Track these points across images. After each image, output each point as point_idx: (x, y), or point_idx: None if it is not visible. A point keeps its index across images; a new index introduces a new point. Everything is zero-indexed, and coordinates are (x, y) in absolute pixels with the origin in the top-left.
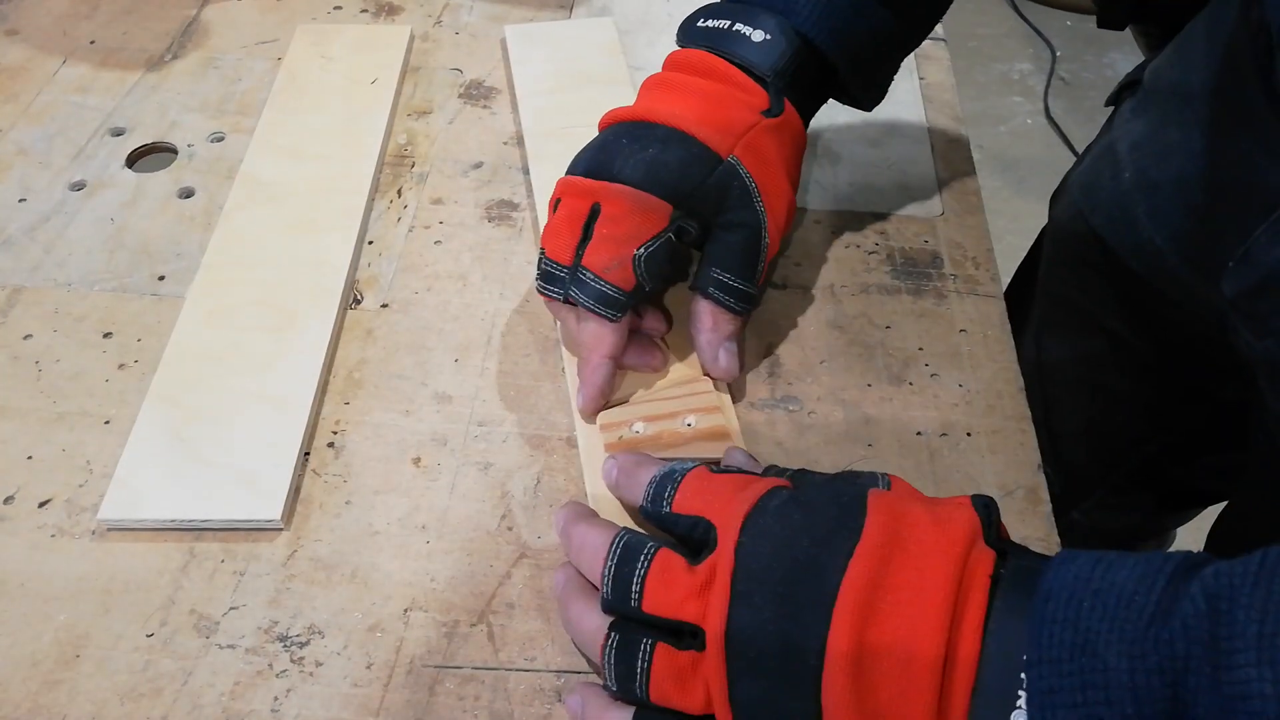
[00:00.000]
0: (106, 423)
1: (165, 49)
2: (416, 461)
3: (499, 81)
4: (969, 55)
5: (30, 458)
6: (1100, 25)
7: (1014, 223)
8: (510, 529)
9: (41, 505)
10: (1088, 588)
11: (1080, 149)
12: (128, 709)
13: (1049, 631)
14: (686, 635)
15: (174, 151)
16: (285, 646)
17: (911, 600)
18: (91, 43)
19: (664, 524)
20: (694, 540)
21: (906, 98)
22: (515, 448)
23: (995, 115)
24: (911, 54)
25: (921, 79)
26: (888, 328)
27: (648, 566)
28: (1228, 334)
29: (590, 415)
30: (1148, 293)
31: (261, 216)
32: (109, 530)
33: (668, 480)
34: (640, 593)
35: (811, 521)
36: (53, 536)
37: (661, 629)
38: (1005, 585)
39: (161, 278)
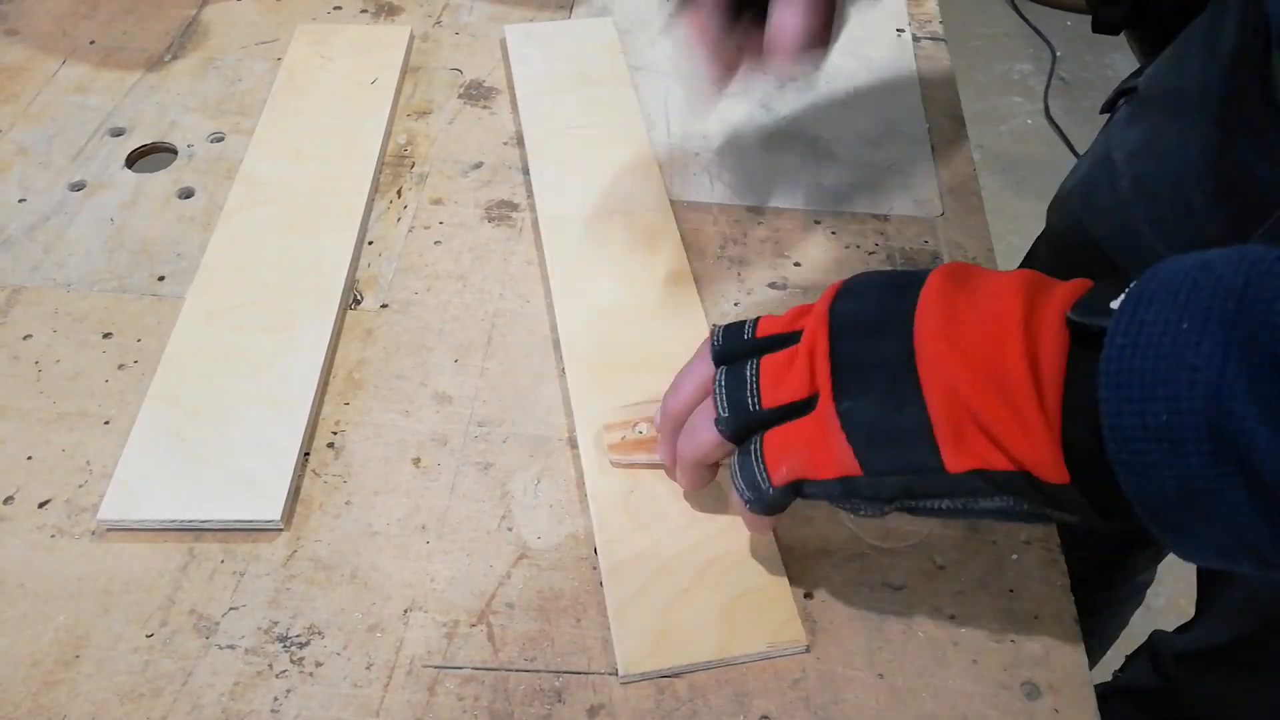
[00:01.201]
0: (106, 423)
1: (165, 49)
2: (416, 462)
3: (499, 81)
4: (969, 55)
5: (30, 458)
6: (1095, 30)
7: (1014, 223)
8: (510, 529)
9: (41, 505)
10: (1194, 264)
11: (1080, 149)
12: (127, 709)
13: (1163, 268)
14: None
15: (174, 152)
16: (285, 647)
17: (994, 278)
18: (91, 43)
19: (760, 345)
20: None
21: (906, 98)
22: (515, 448)
23: (995, 115)
24: (911, 54)
25: (922, 79)
26: None
27: (756, 321)
28: None
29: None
30: None
31: (261, 217)
32: (109, 530)
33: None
34: (752, 328)
35: (895, 273)
36: (52, 537)
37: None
38: (1103, 280)
39: (161, 278)
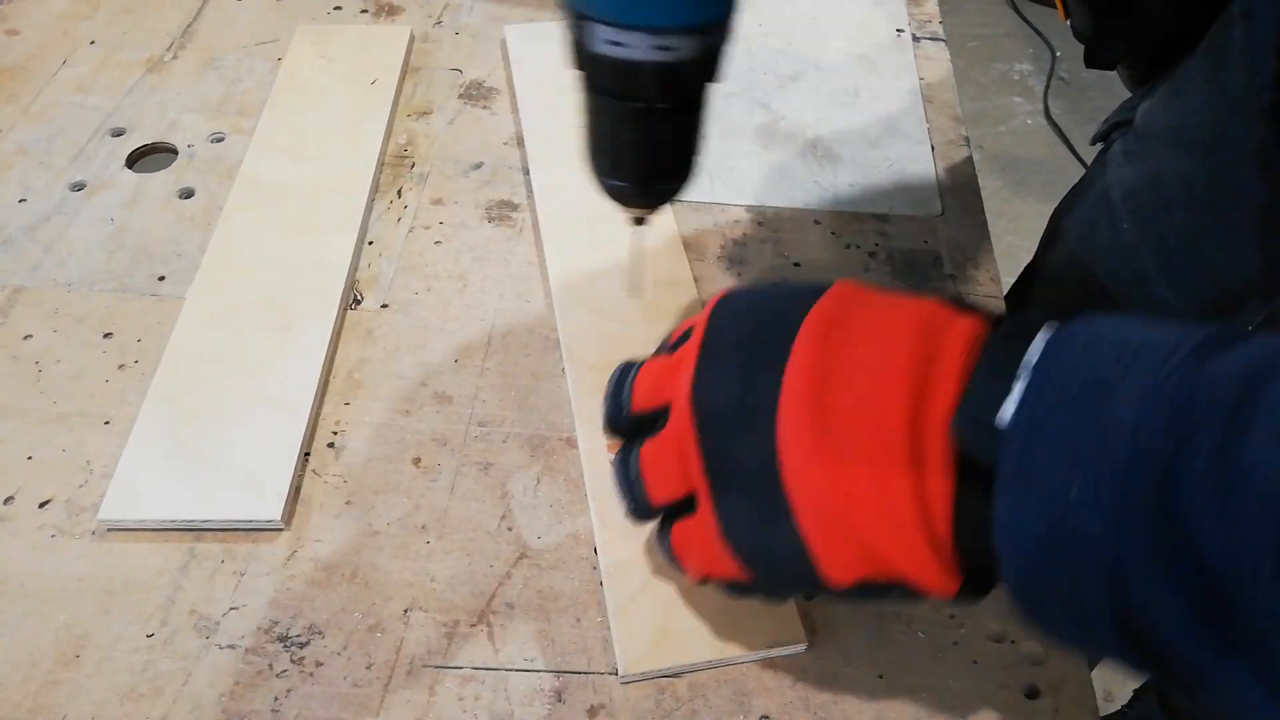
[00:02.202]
0: (106, 423)
1: (165, 49)
2: (416, 461)
3: (499, 82)
4: (969, 55)
5: (30, 458)
6: (1089, 65)
7: (1014, 223)
8: (510, 529)
9: (42, 505)
10: (1106, 337)
11: (1081, 149)
12: (128, 709)
13: (1060, 361)
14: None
15: (174, 152)
16: (285, 646)
17: (878, 333)
18: (91, 43)
19: (667, 347)
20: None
21: (906, 98)
22: (515, 448)
23: (995, 115)
24: (911, 54)
25: (921, 79)
26: None
27: (635, 373)
28: None
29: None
30: None
31: (261, 217)
32: (109, 530)
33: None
34: (629, 396)
35: (781, 290)
36: (53, 537)
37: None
38: (1008, 327)
39: (161, 278)
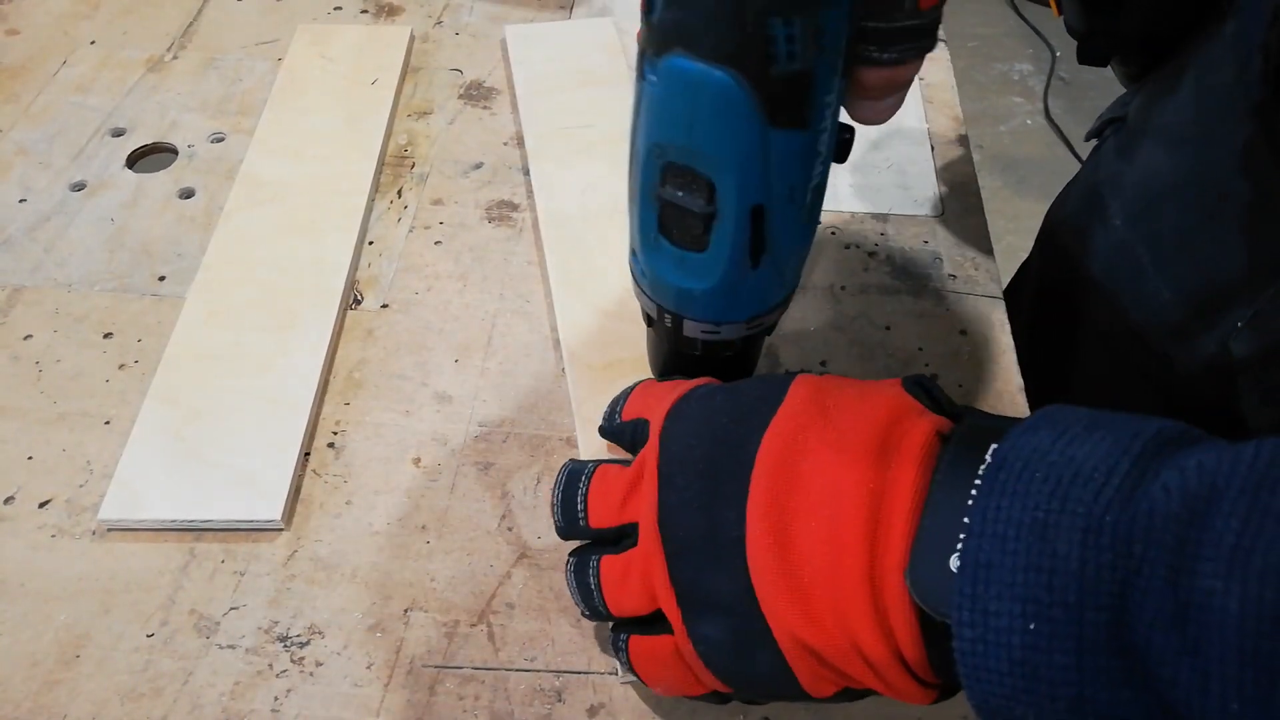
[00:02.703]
0: (107, 423)
1: (165, 49)
2: (416, 461)
3: (499, 82)
4: (969, 55)
5: (30, 458)
6: (1081, 61)
7: (1014, 223)
8: (510, 529)
9: (42, 505)
10: (1044, 460)
11: (1080, 149)
12: (128, 709)
13: (995, 503)
14: (628, 540)
15: (174, 152)
16: (285, 646)
17: (832, 461)
18: (92, 43)
19: (614, 435)
20: (637, 444)
21: (906, 98)
22: (515, 448)
23: (995, 115)
24: None
25: (921, 79)
26: (887, 328)
27: (588, 483)
28: (1231, 396)
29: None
30: (1148, 353)
31: (262, 217)
32: (109, 530)
33: (620, 396)
34: (585, 510)
35: (734, 402)
36: (53, 536)
37: (612, 543)
38: (957, 443)
39: (162, 278)
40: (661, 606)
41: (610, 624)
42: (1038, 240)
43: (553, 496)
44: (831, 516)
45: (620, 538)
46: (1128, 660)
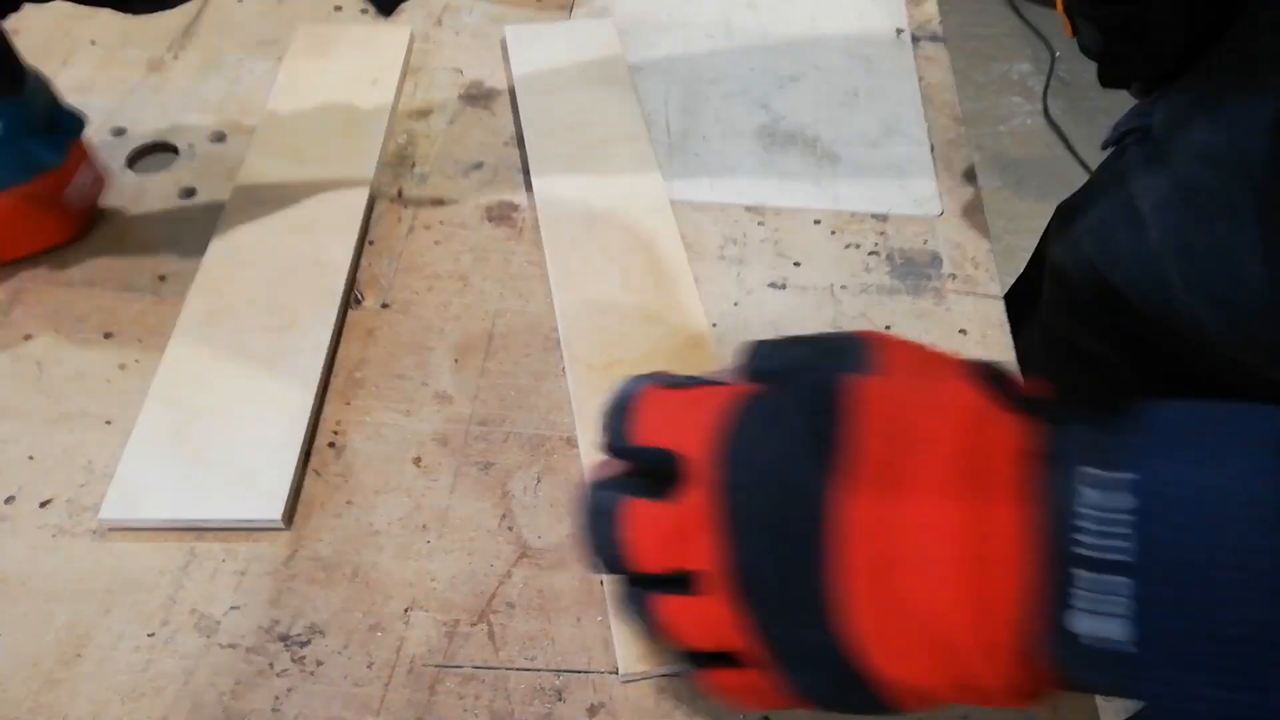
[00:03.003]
0: (107, 423)
1: (166, 49)
2: (417, 461)
3: (499, 82)
4: (968, 55)
5: (31, 458)
6: (1104, 84)
7: (1014, 223)
8: (510, 529)
9: (43, 505)
10: (1185, 494)
11: (1080, 149)
12: (128, 708)
13: (1161, 565)
14: (681, 585)
15: (175, 151)
16: (286, 646)
17: (920, 502)
18: (92, 43)
19: (629, 458)
20: (666, 474)
21: (906, 99)
22: (515, 448)
23: (995, 115)
24: (911, 54)
25: (921, 79)
26: (887, 328)
27: (621, 520)
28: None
29: None
30: (1179, 364)
31: (263, 217)
32: (110, 530)
33: (619, 408)
34: (621, 553)
35: (791, 435)
36: (54, 536)
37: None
38: (1077, 480)
39: (162, 278)
40: (746, 649)
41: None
42: (1042, 241)
43: (586, 526)
44: (932, 564)
45: (669, 581)
46: None
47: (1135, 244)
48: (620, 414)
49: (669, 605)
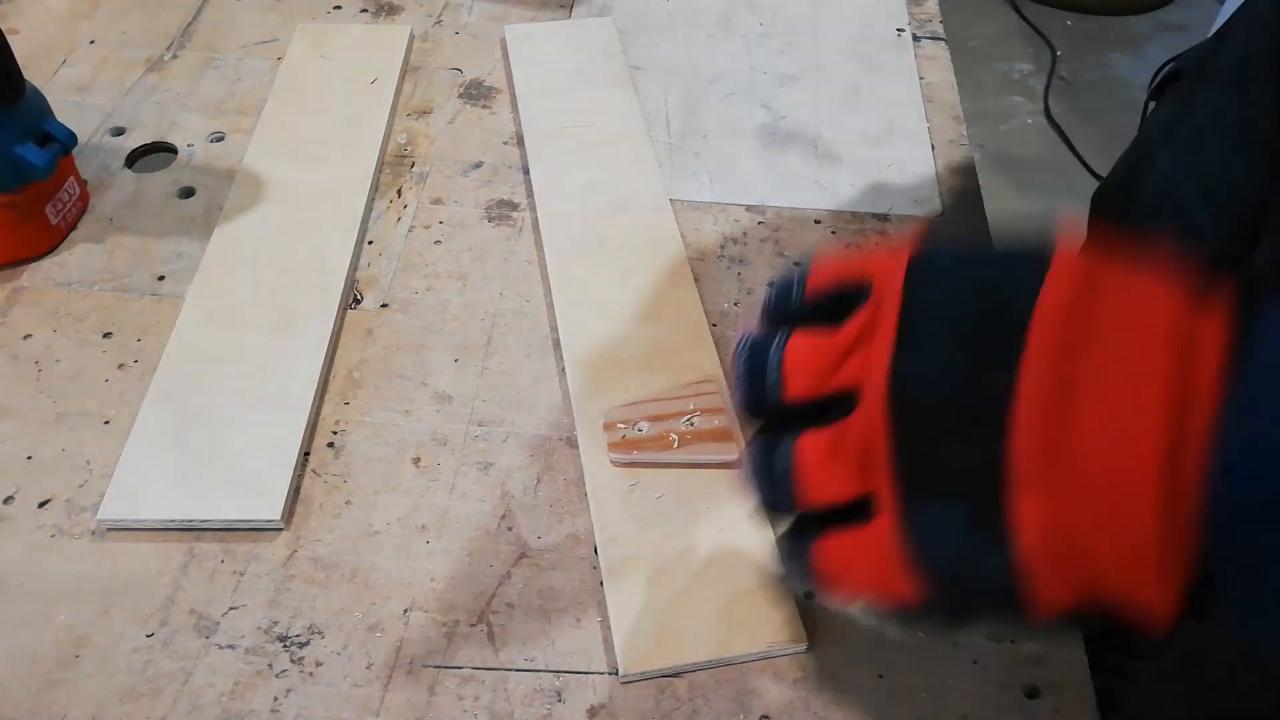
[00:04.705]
0: (106, 423)
1: (165, 49)
2: (416, 461)
3: (499, 81)
4: (969, 55)
5: (30, 458)
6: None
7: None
8: (510, 529)
9: (41, 505)
10: None
11: (1081, 149)
12: (127, 709)
13: None
14: (839, 411)
15: (174, 151)
16: (285, 646)
17: (1126, 336)
18: (91, 42)
19: (797, 317)
20: (842, 313)
21: (907, 98)
22: (515, 448)
23: (996, 115)
24: (912, 53)
25: (922, 79)
26: None
27: (783, 347)
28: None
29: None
30: None
31: (261, 216)
32: (109, 530)
33: (788, 276)
34: (780, 377)
35: (994, 265)
36: (53, 536)
37: (811, 419)
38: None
39: (161, 277)
40: (874, 487)
41: (785, 528)
42: (1091, 211)
43: (734, 369)
44: (1125, 392)
45: (825, 411)
46: None
47: (1152, 175)
48: (790, 280)
49: (810, 440)
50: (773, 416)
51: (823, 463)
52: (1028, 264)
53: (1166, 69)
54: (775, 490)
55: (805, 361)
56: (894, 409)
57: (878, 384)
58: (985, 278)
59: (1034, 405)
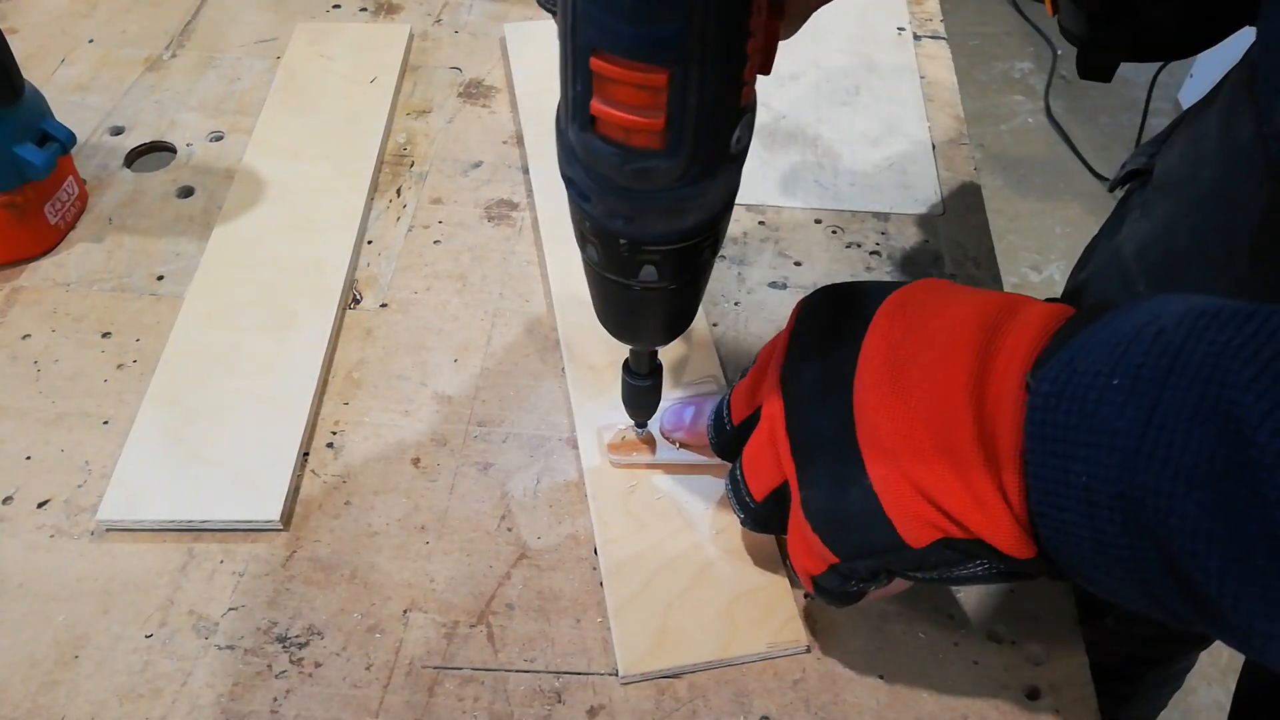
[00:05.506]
0: (105, 423)
1: (164, 48)
2: (416, 462)
3: (498, 80)
4: (970, 54)
5: (29, 458)
6: (1082, 75)
7: (1015, 222)
8: (510, 529)
9: (40, 505)
10: (1146, 315)
11: (1081, 149)
12: (127, 709)
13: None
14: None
15: (173, 151)
16: (284, 647)
17: (954, 307)
18: (90, 41)
19: (738, 437)
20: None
21: (907, 97)
22: (515, 448)
23: (996, 114)
24: (912, 53)
25: (922, 78)
26: None
27: (729, 396)
28: None
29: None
30: None
31: (260, 216)
32: (108, 531)
33: (715, 411)
34: (728, 415)
35: (861, 287)
36: (52, 537)
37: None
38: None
39: (160, 277)
40: (784, 466)
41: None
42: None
43: (707, 424)
44: (945, 347)
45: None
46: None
47: (1128, 297)
48: (720, 412)
49: (745, 450)
50: (733, 448)
51: (751, 461)
52: (891, 286)
53: (1129, 167)
54: (739, 498)
55: (737, 398)
56: (784, 401)
57: (771, 387)
58: (848, 297)
59: (869, 365)
